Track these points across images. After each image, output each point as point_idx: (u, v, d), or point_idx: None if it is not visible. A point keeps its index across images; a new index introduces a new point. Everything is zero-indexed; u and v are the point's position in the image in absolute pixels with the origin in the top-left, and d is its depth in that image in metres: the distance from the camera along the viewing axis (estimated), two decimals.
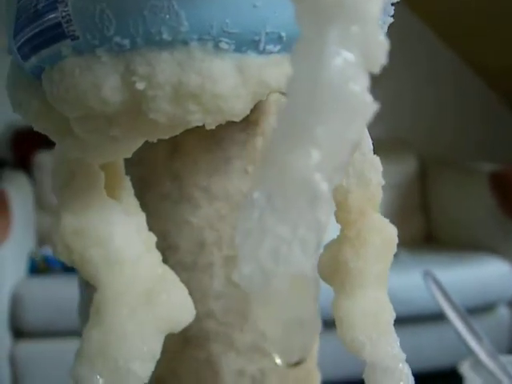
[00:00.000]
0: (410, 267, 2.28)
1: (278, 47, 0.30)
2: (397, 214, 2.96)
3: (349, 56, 0.20)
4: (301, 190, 0.20)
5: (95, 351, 0.33)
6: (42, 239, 2.76)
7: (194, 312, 0.36)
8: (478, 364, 0.76)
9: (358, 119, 0.20)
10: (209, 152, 0.43)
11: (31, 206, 2.76)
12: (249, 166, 0.44)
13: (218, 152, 0.43)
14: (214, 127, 0.31)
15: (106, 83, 0.28)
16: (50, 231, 0.35)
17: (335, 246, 0.34)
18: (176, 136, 0.41)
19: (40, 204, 2.80)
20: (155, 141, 0.32)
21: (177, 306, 0.35)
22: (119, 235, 0.34)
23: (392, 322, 0.34)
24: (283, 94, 0.38)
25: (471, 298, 2.41)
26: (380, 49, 0.20)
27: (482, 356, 0.76)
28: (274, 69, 0.30)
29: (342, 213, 0.33)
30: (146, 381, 0.34)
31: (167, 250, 0.42)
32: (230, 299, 0.44)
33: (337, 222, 0.34)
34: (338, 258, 0.33)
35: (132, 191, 0.37)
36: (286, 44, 0.30)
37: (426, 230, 3.07)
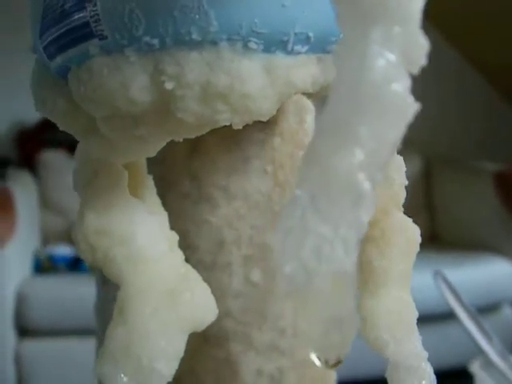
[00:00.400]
0: (414, 267, 2.28)
1: (306, 48, 0.30)
2: None
3: (391, 57, 0.20)
4: (344, 189, 0.20)
5: (119, 350, 0.33)
6: (47, 238, 2.76)
7: (216, 311, 0.37)
8: (488, 363, 0.76)
9: (400, 119, 0.20)
10: (228, 152, 0.43)
11: (36, 205, 2.76)
12: (267, 166, 0.44)
13: (237, 152, 0.43)
14: (240, 127, 0.31)
15: (135, 83, 0.28)
16: (73, 230, 0.35)
17: (360, 246, 0.34)
18: (195, 136, 0.41)
19: (45, 203, 2.81)
20: (181, 140, 0.32)
21: (200, 305, 0.35)
22: (142, 234, 0.34)
23: (415, 321, 0.35)
24: (305, 94, 0.38)
25: (475, 297, 2.41)
26: (421, 50, 0.21)
27: (493, 355, 0.76)
28: (301, 69, 0.30)
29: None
30: (170, 379, 0.34)
31: (187, 250, 0.42)
32: (249, 298, 0.44)
33: None
34: (362, 257, 0.33)
35: (154, 190, 0.37)
36: (313, 45, 0.30)
37: (430, 229, 3.07)
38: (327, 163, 0.20)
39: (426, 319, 2.41)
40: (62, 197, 2.79)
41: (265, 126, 0.44)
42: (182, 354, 0.34)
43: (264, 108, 0.29)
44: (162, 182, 0.42)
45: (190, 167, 0.43)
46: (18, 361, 2.33)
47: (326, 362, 0.23)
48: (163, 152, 0.41)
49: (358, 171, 0.20)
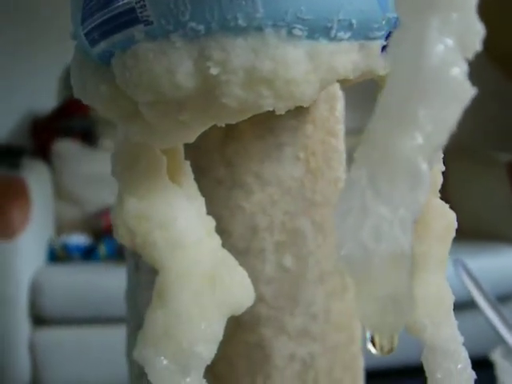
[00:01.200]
0: None
1: (348, 34, 0.30)
2: None
3: (449, 42, 0.21)
4: (404, 171, 0.21)
5: (159, 333, 0.34)
6: (61, 227, 2.77)
7: (253, 295, 0.37)
8: (509, 352, 0.76)
9: (457, 103, 0.21)
10: (261, 139, 0.43)
11: (50, 194, 2.77)
12: (300, 153, 0.44)
13: (270, 139, 0.43)
14: (283, 112, 0.31)
15: (180, 68, 0.29)
16: (111, 214, 0.35)
17: None
18: (229, 123, 0.42)
19: (59, 192, 2.82)
20: (223, 125, 0.33)
21: (238, 289, 0.36)
22: (182, 219, 0.35)
23: (452, 306, 0.35)
24: (340, 81, 0.38)
25: (489, 287, 2.41)
26: (477, 36, 0.21)
27: None
28: (344, 56, 0.31)
29: None
30: (209, 362, 0.35)
31: (221, 236, 0.42)
32: (281, 284, 0.44)
33: None
34: None
35: (192, 176, 0.38)
36: (355, 31, 0.30)
37: None
38: (387, 146, 0.21)
39: (455, 308, 2.40)
40: (76, 186, 2.80)
41: (297, 114, 0.44)
42: (220, 337, 0.35)
43: (307, 93, 0.30)
44: (195, 168, 0.42)
45: (224, 154, 0.43)
46: (33, 349, 2.34)
47: (381, 349, 0.24)
48: (197, 139, 0.42)
49: (418, 153, 0.20)
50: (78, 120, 2.99)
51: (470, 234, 2.82)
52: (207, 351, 0.34)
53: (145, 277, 0.45)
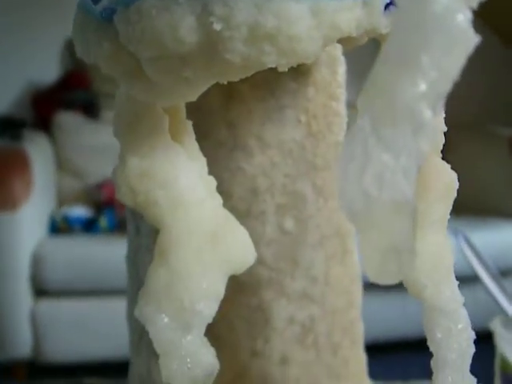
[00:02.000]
0: None
1: None
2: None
3: None
4: (407, 117, 0.21)
5: (160, 291, 0.34)
6: (63, 199, 2.77)
7: (255, 254, 0.37)
8: (509, 321, 0.77)
9: (461, 51, 0.21)
10: (262, 101, 0.43)
11: (51, 167, 2.77)
12: (301, 116, 0.44)
13: (272, 101, 0.43)
14: (285, 69, 0.31)
15: (183, 23, 0.29)
16: (113, 173, 0.35)
17: None
18: (230, 85, 0.42)
19: (60, 164, 2.82)
20: (225, 82, 0.33)
21: (240, 248, 0.36)
22: (184, 178, 0.35)
23: (452, 266, 0.35)
24: (343, 42, 0.38)
25: (491, 261, 2.42)
26: None
27: None
28: (346, 13, 0.31)
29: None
30: (210, 320, 0.35)
31: (221, 197, 0.42)
32: (281, 246, 0.45)
33: None
34: None
35: (194, 136, 0.38)
36: None
37: None
38: (390, 92, 0.21)
39: (461, 281, 2.40)
40: (77, 158, 2.80)
41: (298, 76, 0.44)
42: (222, 295, 0.35)
43: (309, 50, 0.30)
44: (197, 130, 0.42)
45: (225, 116, 0.43)
46: (34, 321, 2.35)
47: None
48: (199, 100, 0.42)
49: (420, 100, 0.20)
50: (79, 92, 2.99)
51: (471, 208, 2.82)
52: (208, 309, 0.34)
53: (145, 240, 0.45)
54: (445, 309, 0.34)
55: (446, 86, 0.21)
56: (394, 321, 2.49)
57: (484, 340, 0.85)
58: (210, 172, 0.40)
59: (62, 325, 2.37)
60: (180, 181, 0.35)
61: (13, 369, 2.39)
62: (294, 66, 0.31)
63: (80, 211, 2.64)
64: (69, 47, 3.12)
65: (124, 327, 0.51)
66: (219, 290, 0.35)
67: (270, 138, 0.43)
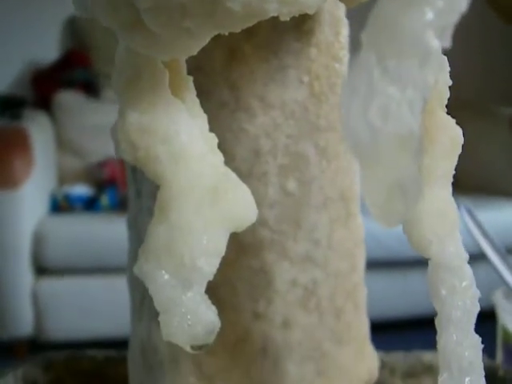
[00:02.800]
0: None
1: None
2: None
3: None
4: (413, 47, 0.20)
5: (160, 248, 0.34)
6: (64, 178, 2.78)
7: (256, 211, 0.37)
8: (510, 293, 0.77)
9: None
10: (265, 61, 0.43)
11: (52, 145, 2.77)
12: (304, 76, 0.44)
13: (274, 61, 0.43)
14: (287, 19, 0.31)
15: None
16: (112, 130, 0.35)
17: None
18: (233, 45, 0.41)
19: (61, 143, 2.82)
20: (226, 33, 0.32)
21: (241, 204, 0.35)
22: (184, 133, 0.34)
23: (457, 222, 0.35)
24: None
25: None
26: None
27: None
28: None
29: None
30: (211, 277, 0.34)
31: (223, 158, 0.42)
32: (284, 208, 0.44)
33: None
34: None
35: (195, 92, 0.37)
36: None
37: None
38: (396, 23, 0.20)
39: None
40: (78, 137, 2.80)
41: (301, 36, 0.43)
42: (223, 252, 0.35)
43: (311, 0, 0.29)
44: (199, 91, 0.41)
45: (228, 77, 0.43)
46: (35, 299, 2.37)
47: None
48: (200, 60, 0.41)
49: (427, 28, 0.20)
50: (80, 71, 2.99)
51: (473, 187, 2.82)
52: (209, 265, 0.34)
53: (146, 202, 0.45)
54: (449, 265, 0.33)
55: (454, 17, 0.21)
56: (395, 299, 2.50)
57: (486, 318, 0.85)
58: (212, 133, 0.39)
59: (63, 303, 2.38)
60: (181, 136, 0.34)
61: (14, 347, 2.41)
62: (296, 14, 0.30)
63: (81, 190, 2.65)
64: (69, 26, 3.12)
65: (125, 305, 0.51)
66: (220, 246, 0.34)
67: (272, 98, 0.43)
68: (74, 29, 3.09)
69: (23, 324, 2.36)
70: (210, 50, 0.41)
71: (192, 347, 0.34)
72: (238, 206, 0.35)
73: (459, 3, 0.20)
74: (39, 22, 3.10)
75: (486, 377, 0.56)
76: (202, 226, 0.34)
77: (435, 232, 0.33)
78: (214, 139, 0.37)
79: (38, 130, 2.60)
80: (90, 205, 2.60)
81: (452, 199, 0.34)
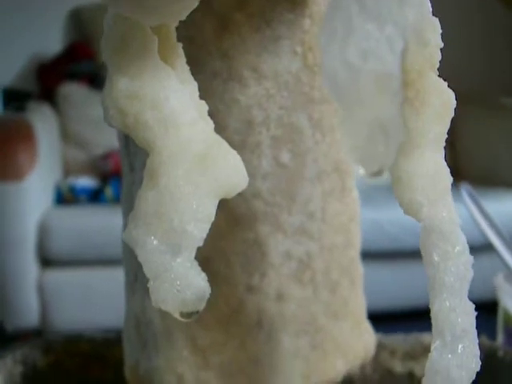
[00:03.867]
0: None
1: None
2: None
3: None
4: None
5: (150, 213, 0.33)
6: (68, 170, 2.78)
7: (247, 178, 0.36)
8: (511, 276, 0.77)
9: None
10: (258, 31, 0.42)
11: (57, 138, 2.77)
12: (297, 47, 0.43)
13: (267, 31, 0.43)
14: None
15: None
16: (102, 97, 0.35)
17: None
18: (225, 15, 0.41)
19: (65, 135, 2.83)
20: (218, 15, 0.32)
21: (231, 170, 0.35)
22: (174, 99, 0.34)
23: (450, 187, 0.34)
24: None
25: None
26: None
27: None
28: None
29: (401, 73, 0.33)
30: (201, 243, 0.34)
31: (215, 129, 0.41)
32: (278, 179, 0.44)
33: None
34: None
35: (184, 59, 0.37)
36: None
37: (452, 165, 3.05)
38: None
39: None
40: (82, 129, 2.81)
41: (295, 7, 0.43)
42: (213, 218, 0.34)
43: None
44: (190, 61, 0.41)
45: (220, 46, 0.42)
46: (41, 290, 2.37)
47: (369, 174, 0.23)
48: (191, 30, 0.41)
49: None
50: (84, 63, 2.99)
51: (478, 180, 2.82)
52: (199, 230, 0.33)
53: (139, 175, 0.45)
54: (442, 229, 0.33)
55: None
56: (399, 289, 2.50)
57: (489, 309, 0.85)
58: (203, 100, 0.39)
59: (68, 294, 2.39)
60: (170, 102, 0.34)
61: (20, 338, 2.42)
62: None
63: (86, 182, 2.65)
64: (73, 18, 3.12)
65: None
66: (210, 212, 0.34)
67: (265, 69, 0.43)
68: (77, 21, 3.09)
69: (29, 315, 2.37)
70: (201, 20, 0.41)
71: (182, 314, 0.34)
72: (228, 172, 0.35)
73: None
74: (43, 14, 3.10)
75: (486, 357, 0.56)
76: (191, 192, 0.34)
77: (427, 195, 0.33)
78: (204, 106, 0.37)
79: (43, 123, 2.60)
80: (95, 196, 2.60)
81: (444, 163, 0.34)
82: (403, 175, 0.32)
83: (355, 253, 0.49)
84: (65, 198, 2.60)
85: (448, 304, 0.33)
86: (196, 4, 0.33)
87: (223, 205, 0.35)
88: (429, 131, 0.33)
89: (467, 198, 0.84)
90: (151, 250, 0.33)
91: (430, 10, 0.33)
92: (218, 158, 0.35)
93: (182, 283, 0.33)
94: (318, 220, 0.45)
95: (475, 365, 0.33)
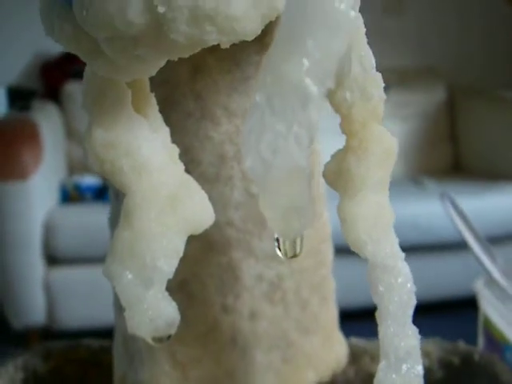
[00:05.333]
0: (436, 196, 2.28)
1: None
2: (425, 142, 2.98)
3: None
4: (294, 92, 0.24)
5: (125, 250, 0.37)
6: (73, 168, 2.81)
7: (213, 216, 0.40)
8: (491, 282, 0.80)
9: (342, 32, 0.24)
10: (228, 73, 0.46)
11: (61, 136, 2.80)
12: None
13: (237, 73, 0.46)
14: (228, 46, 0.34)
15: (131, 7, 0.31)
16: (82, 145, 0.39)
17: (340, 155, 0.37)
18: (197, 58, 0.44)
19: (70, 134, 2.85)
20: (176, 59, 0.36)
21: (198, 210, 0.39)
22: (146, 147, 0.38)
23: (392, 224, 0.38)
24: None
25: (498, 226, 2.43)
26: None
27: (495, 274, 0.80)
28: None
29: (346, 124, 0.37)
30: (171, 276, 0.38)
31: (191, 164, 0.45)
32: (249, 209, 0.48)
33: (342, 132, 0.38)
34: (342, 165, 0.37)
35: (157, 108, 0.41)
36: None
37: (454, 159, 3.08)
38: (280, 70, 0.24)
39: (451, 247, 2.43)
40: None
41: (261, 49, 0.47)
42: (181, 253, 0.38)
43: (248, 28, 0.32)
44: (166, 102, 0.45)
45: (193, 88, 0.46)
46: (47, 288, 2.39)
47: (285, 253, 0.27)
48: (167, 74, 0.45)
49: (305, 77, 0.24)
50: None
51: (480, 173, 2.83)
52: (168, 265, 0.37)
53: (122, 203, 0.49)
54: (385, 264, 0.37)
55: (332, 64, 0.24)
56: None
57: (473, 303, 0.88)
58: (180, 141, 0.43)
59: (74, 291, 2.41)
60: (143, 150, 0.38)
61: (28, 336, 2.44)
62: (237, 42, 0.34)
63: (91, 180, 2.67)
64: None
65: None
66: (179, 248, 0.38)
67: (235, 107, 0.46)
68: None
69: (36, 313, 2.39)
70: (176, 63, 0.45)
71: (154, 339, 0.38)
72: (196, 211, 0.39)
73: (335, 52, 0.24)
74: None
75: (463, 361, 0.60)
76: (161, 230, 0.38)
77: (369, 234, 0.36)
78: (175, 150, 0.40)
79: (47, 121, 2.63)
80: (100, 195, 2.63)
81: (387, 203, 0.38)
82: (348, 217, 0.36)
83: (326, 271, 0.53)
84: (70, 196, 2.63)
85: (392, 330, 0.37)
86: (161, 64, 0.37)
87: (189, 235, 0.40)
88: (372, 176, 0.36)
89: (449, 205, 0.86)
90: (126, 283, 0.37)
91: (374, 66, 0.37)
92: (187, 199, 0.39)
93: (153, 313, 0.37)
94: None
95: None
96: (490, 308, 0.80)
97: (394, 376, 0.37)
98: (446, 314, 2.44)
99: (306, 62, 0.23)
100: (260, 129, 0.24)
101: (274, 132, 0.24)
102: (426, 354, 0.60)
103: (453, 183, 2.69)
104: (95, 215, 2.47)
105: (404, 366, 0.37)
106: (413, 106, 3.00)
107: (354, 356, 0.59)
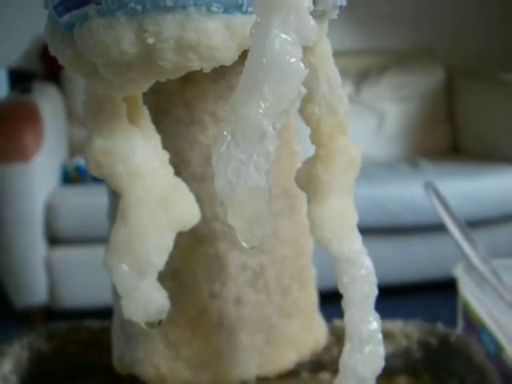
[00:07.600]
0: (432, 177, 2.29)
1: None
2: (422, 124, 2.99)
3: (287, 37, 0.29)
4: (253, 130, 0.29)
5: (122, 245, 0.43)
6: (74, 150, 2.81)
7: (199, 214, 0.46)
8: (471, 267, 0.83)
9: (293, 80, 0.29)
10: (215, 82, 0.51)
11: (62, 118, 2.80)
12: None
13: (223, 82, 0.51)
14: (209, 71, 0.39)
15: (124, 39, 0.36)
16: (83, 150, 0.44)
17: (310, 163, 0.42)
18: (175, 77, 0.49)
19: (71, 116, 2.84)
20: (164, 80, 0.41)
21: (186, 209, 0.44)
22: (139, 154, 0.43)
23: (356, 224, 0.43)
24: None
25: (494, 208, 2.45)
26: (311, 30, 0.29)
27: (475, 260, 0.83)
28: None
29: (315, 136, 0.42)
30: (162, 268, 0.43)
31: (181, 165, 0.50)
32: None
33: (311, 143, 0.43)
34: (311, 172, 0.42)
35: (149, 118, 0.46)
36: None
37: (451, 140, 3.08)
38: (241, 111, 0.29)
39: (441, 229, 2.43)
40: None
41: (244, 59, 0.51)
42: (171, 248, 0.44)
43: (226, 56, 0.37)
44: (158, 109, 0.50)
45: (183, 97, 0.51)
46: (49, 268, 2.40)
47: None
48: (159, 84, 0.49)
49: (262, 118, 0.29)
50: None
51: (478, 155, 2.85)
52: (159, 259, 0.43)
53: (119, 201, 0.54)
54: (349, 258, 0.42)
55: (286, 106, 0.29)
56: (397, 264, 2.53)
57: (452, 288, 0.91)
58: (172, 144, 0.48)
59: (75, 271, 2.42)
60: (136, 156, 0.43)
61: (30, 315, 2.46)
62: (216, 66, 0.39)
63: None
64: None
65: None
66: (169, 243, 0.43)
67: (221, 113, 0.51)
68: None
69: (38, 293, 2.40)
70: None
71: (146, 324, 0.43)
72: (184, 211, 0.44)
73: (288, 97, 0.29)
74: None
75: (441, 342, 0.64)
76: (154, 228, 0.43)
77: (335, 233, 0.42)
78: (165, 156, 0.46)
79: (48, 103, 2.63)
80: None
81: (352, 206, 0.43)
82: (316, 218, 0.41)
83: (306, 260, 0.58)
84: (71, 177, 2.63)
85: (355, 317, 0.42)
86: (150, 84, 0.42)
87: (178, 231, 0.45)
88: (336, 183, 0.42)
89: (432, 195, 0.90)
90: (122, 274, 0.42)
91: (339, 83, 0.42)
92: (175, 200, 0.44)
93: (146, 300, 0.43)
94: None
95: (379, 364, 0.42)
96: (469, 293, 0.83)
97: (357, 356, 0.42)
98: (446, 293, 2.45)
99: (262, 105, 0.28)
100: (227, 157, 0.29)
101: (238, 160, 0.29)
102: (406, 335, 0.65)
103: (450, 165, 2.68)
104: (96, 196, 2.47)
105: (367, 348, 0.42)
106: (410, 88, 3.00)
107: (338, 336, 0.64)
